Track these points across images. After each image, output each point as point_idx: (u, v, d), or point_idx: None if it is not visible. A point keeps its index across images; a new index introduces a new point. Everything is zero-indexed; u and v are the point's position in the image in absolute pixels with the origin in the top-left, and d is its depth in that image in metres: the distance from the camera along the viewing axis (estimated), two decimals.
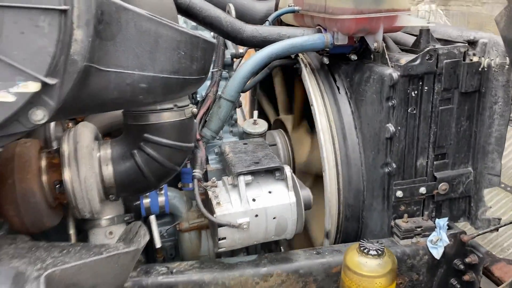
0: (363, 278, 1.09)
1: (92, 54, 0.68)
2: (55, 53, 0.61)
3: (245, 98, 2.25)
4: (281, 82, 1.88)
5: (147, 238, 0.98)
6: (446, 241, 1.35)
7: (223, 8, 1.74)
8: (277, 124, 1.90)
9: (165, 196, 1.41)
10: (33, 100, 0.62)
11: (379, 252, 1.10)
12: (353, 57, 1.46)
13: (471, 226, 1.46)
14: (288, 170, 1.24)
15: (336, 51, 1.46)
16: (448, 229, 1.42)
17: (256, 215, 1.20)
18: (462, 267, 1.35)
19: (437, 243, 1.36)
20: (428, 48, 1.27)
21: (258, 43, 1.43)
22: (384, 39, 1.45)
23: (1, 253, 0.80)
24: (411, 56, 1.29)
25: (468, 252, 1.39)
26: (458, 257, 1.38)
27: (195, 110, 1.22)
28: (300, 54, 1.54)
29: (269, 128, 1.80)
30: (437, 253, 1.34)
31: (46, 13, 0.59)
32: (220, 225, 1.17)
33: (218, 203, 1.19)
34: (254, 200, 1.20)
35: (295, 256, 1.31)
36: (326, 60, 1.47)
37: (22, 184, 1.07)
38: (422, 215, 1.43)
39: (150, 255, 1.57)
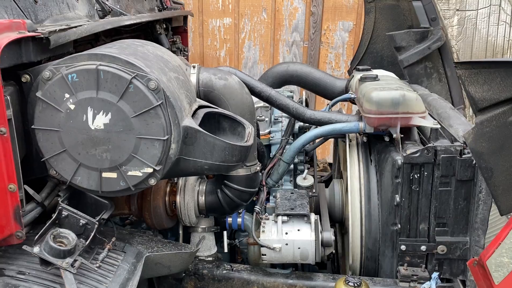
0: None
1: (181, 151, 1.40)
2: (161, 156, 1.34)
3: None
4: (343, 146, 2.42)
5: (199, 248, 1.71)
6: None
7: (312, 82, 2.38)
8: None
9: (242, 218, 2.09)
10: (150, 175, 1.36)
11: (356, 285, 1.61)
12: (386, 138, 1.93)
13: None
14: (313, 216, 1.82)
15: (376, 133, 1.95)
16: (446, 282, 1.81)
17: (286, 244, 1.81)
18: None
19: None
20: (427, 145, 1.70)
21: (314, 123, 2.03)
22: (410, 130, 1.91)
23: (134, 240, 1.60)
24: (415, 149, 1.73)
25: None
26: None
27: (258, 168, 1.90)
28: None
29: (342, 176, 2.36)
30: None
31: (158, 140, 1.32)
32: (262, 246, 1.81)
33: (263, 231, 1.84)
34: (286, 233, 1.82)
35: (316, 277, 1.87)
36: (365, 139, 1.99)
37: (154, 201, 1.88)
38: (426, 267, 1.84)
39: (233, 256, 2.29)
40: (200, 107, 1.63)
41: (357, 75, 2.14)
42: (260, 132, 2.24)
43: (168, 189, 1.93)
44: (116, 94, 1.28)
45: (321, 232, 1.85)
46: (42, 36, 1.31)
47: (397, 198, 1.78)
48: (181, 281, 1.91)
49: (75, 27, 1.47)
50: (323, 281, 1.85)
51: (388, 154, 1.84)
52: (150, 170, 1.35)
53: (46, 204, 1.48)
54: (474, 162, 1.67)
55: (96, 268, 1.37)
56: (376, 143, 1.98)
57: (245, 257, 2.26)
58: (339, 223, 2.28)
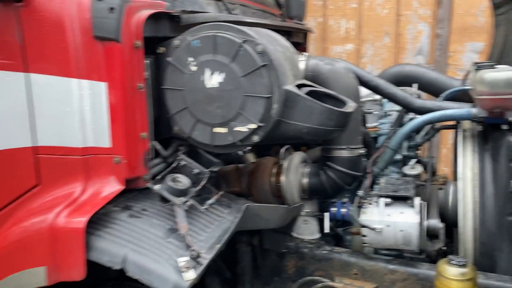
0: (444, 278, 1.52)
1: (281, 114, 1.54)
2: (263, 113, 1.49)
3: None
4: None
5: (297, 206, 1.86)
6: None
7: (427, 82, 2.36)
8: None
9: (347, 209, 2.11)
10: (253, 132, 1.52)
11: (460, 263, 1.51)
12: (505, 126, 1.82)
13: None
14: (417, 200, 1.77)
15: (493, 121, 1.85)
16: None
17: (388, 225, 1.78)
18: None
19: None
20: None
21: (425, 112, 1.99)
22: None
23: (240, 201, 1.76)
24: None
25: None
26: None
27: (362, 151, 1.93)
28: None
29: None
30: None
31: (261, 98, 1.49)
32: (362, 226, 1.82)
33: (365, 212, 1.84)
34: (388, 215, 1.79)
35: (419, 265, 1.79)
36: (479, 128, 1.89)
37: (261, 179, 2.03)
38: None
39: (338, 243, 2.28)
40: (305, 85, 1.77)
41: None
42: (368, 125, 2.27)
43: (274, 170, 2.07)
44: (229, 56, 1.49)
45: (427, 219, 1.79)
46: (176, 14, 1.61)
47: None
48: (283, 259, 1.99)
49: (204, 12, 1.77)
50: (427, 270, 1.76)
51: (503, 139, 1.72)
52: (254, 126, 1.52)
53: (170, 162, 1.73)
54: None
55: (203, 210, 1.55)
56: (493, 132, 1.87)
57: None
58: (453, 226, 2.14)
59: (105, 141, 1.49)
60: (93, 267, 1.40)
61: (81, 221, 1.38)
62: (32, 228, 1.47)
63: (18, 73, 1.49)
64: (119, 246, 1.39)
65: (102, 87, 1.46)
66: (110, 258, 1.37)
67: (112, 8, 1.41)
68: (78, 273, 1.39)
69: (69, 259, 1.40)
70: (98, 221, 1.46)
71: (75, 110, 1.47)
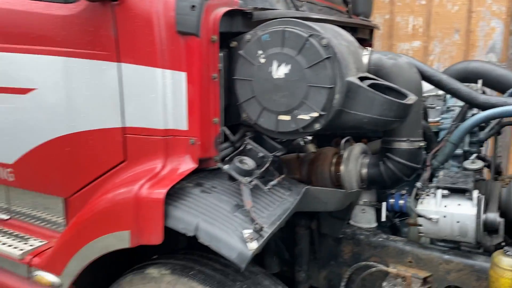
0: (498, 268, 1.55)
1: (343, 104, 1.65)
2: (325, 102, 1.61)
3: None
4: None
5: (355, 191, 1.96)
6: None
7: (495, 79, 2.35)
8: None
9: (404, 201, 2.16)
10: (315, 120, 1.64)
11: None
12: None
13: None
14: (475, 192, 1.80)
15: None
16: None
17: (445, 216, 1.82)
18: None
19: None
20: None
21: (489, 107, 2.00)
22: None
23: (300, 185, 1.88)
24: None
25: None
26: None
27: (422, 144, 1.98)
28: None
29: None
30: None
31: (324, 88, 1.60)
32: (418, 215, 1.87)
33: (421, 203, 1.89)
34: (445, 206, 1.83)
35: (476, 256, 1.82)
36: None
37: (321, 167, 2.14)
38: None
39: (395, 233, 2.34)
40: (368, 78, 1.85)
41: None
42: (430, 120, 2.30)
43: (334, 160, 2.17)
44: (296, 49, 1.62)
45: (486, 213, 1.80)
46: (248, 11, 1.77)
47: None
48: (339, 244, 2.09)
49: (273, 9, 1.91)
50: (483, 261, 1.78)
51: None
52: (316, 114, 1.64)
53: (237, 146, 1.89)
54: None
55: (266, 190, 1.69)
56: None
57: None
58: None
59: (183, 125, 1.69)
60: (166, 237, 1.59)
61: (161, 192, 1.58)
62: (119, 197, 1.70)
63: (112, 63, 1.72)
64: (193, 216, 1.57)
65: (182, 76, 1.65)
66: (185, 226, 1.56)
67: (193, 6, 1.59)
68: (156, 238, 1.59)
69: (149, 225, 1.60)
70: (175, 194, 1.65)
71: (159, 97, 1.68)
